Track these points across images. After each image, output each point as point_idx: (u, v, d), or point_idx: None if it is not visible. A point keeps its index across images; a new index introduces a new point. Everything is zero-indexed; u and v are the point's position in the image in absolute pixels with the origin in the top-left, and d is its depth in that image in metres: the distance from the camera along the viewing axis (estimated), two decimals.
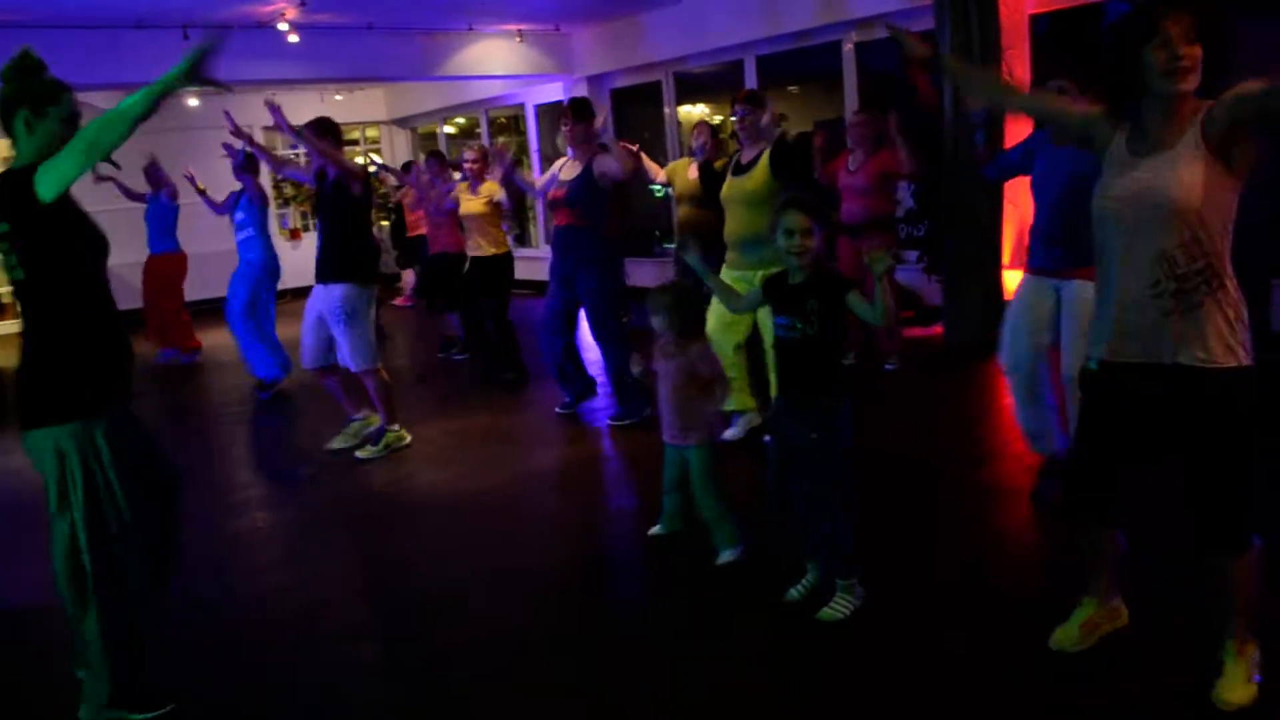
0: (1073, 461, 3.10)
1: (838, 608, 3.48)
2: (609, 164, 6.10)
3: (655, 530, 4.35)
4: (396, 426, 6.25)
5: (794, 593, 3.65)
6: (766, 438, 5.45)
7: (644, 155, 7.08)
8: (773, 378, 5.39)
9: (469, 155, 7.89)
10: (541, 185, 6.62)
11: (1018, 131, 7.41)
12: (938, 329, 8.23)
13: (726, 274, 5.52)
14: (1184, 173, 2.63)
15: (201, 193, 8.83)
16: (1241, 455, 2.70)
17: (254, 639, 3.81)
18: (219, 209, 8.72)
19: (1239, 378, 2.67)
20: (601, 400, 6.77)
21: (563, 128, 6.31)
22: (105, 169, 4.17)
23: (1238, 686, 2.82)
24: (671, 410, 4.11)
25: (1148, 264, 2.68)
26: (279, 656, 3.69)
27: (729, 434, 5.62)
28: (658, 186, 7.61)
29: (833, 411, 3.42)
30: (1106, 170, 2.81)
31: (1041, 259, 4.25)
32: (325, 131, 5.89)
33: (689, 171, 7.33)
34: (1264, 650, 2.86)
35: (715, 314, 5.41)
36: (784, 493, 3.56)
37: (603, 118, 6.30)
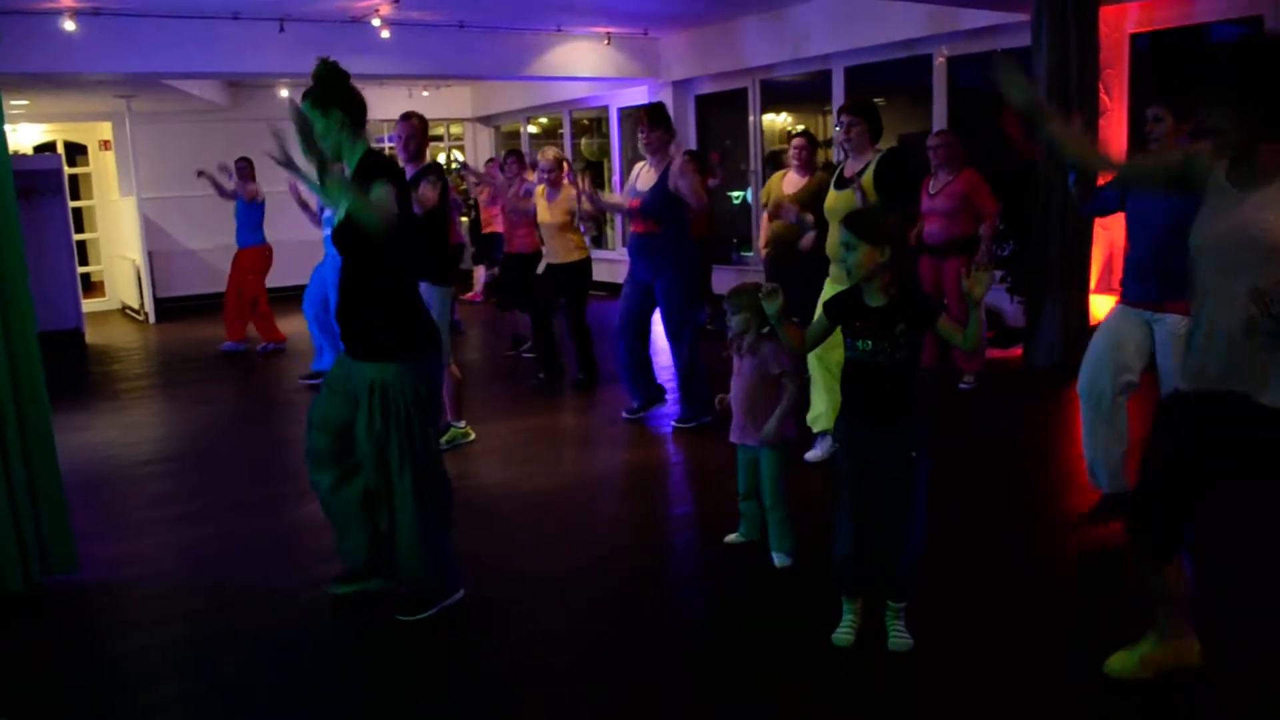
0: (1141, 490, 3.02)
1: (905, 635, 3.38)
2: (683, 187, 6.07)
3: (732, 537, 4.34)
4: (462, 423, 6.28)
5: (843, 639, 3.46)
6: (808, 453, 5.40)
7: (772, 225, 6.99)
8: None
9: (545, 164, 7.83)
10: (625, 199, 6.60)
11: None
12: (1018, 351, 8.06)
13: (829, 288, 5.42)
14: None
15: (304, 206, 8.90)
16: None
17: (303, 627, 3.84)
18: (317, 221, 8.83)
19: None
20: (670, 407, 6.74)
21: (640, 135, 6.30)
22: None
23: None
24: (743, 410, 4.11)
25: (1243, 300, 2.61)
26: (330, 647, 3.71)
27: (813, 455, 5.52)
28: (737, 193, 7.55)
29: (922, 430, 3.32)
30: (1206, 203, 2.74)
31: (1137, 291, 4.15)
32: (417, 132, 5.95)
33: (783, 185, 7.27)
34: None
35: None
36: (865, 520, 3.40)
37: (679, 161, 6.20)
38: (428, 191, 5.81)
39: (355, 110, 3.68)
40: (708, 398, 6.15)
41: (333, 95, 3.63)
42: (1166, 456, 2.88)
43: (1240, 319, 2.63)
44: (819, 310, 3.52)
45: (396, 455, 3.69)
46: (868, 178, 5.14)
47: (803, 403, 5.48)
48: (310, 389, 8.08)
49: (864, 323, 3.32)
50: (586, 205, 7.13)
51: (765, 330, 4.04)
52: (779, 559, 4.12)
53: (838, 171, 5.46)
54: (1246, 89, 2.61)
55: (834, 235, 5.26)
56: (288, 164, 3.51)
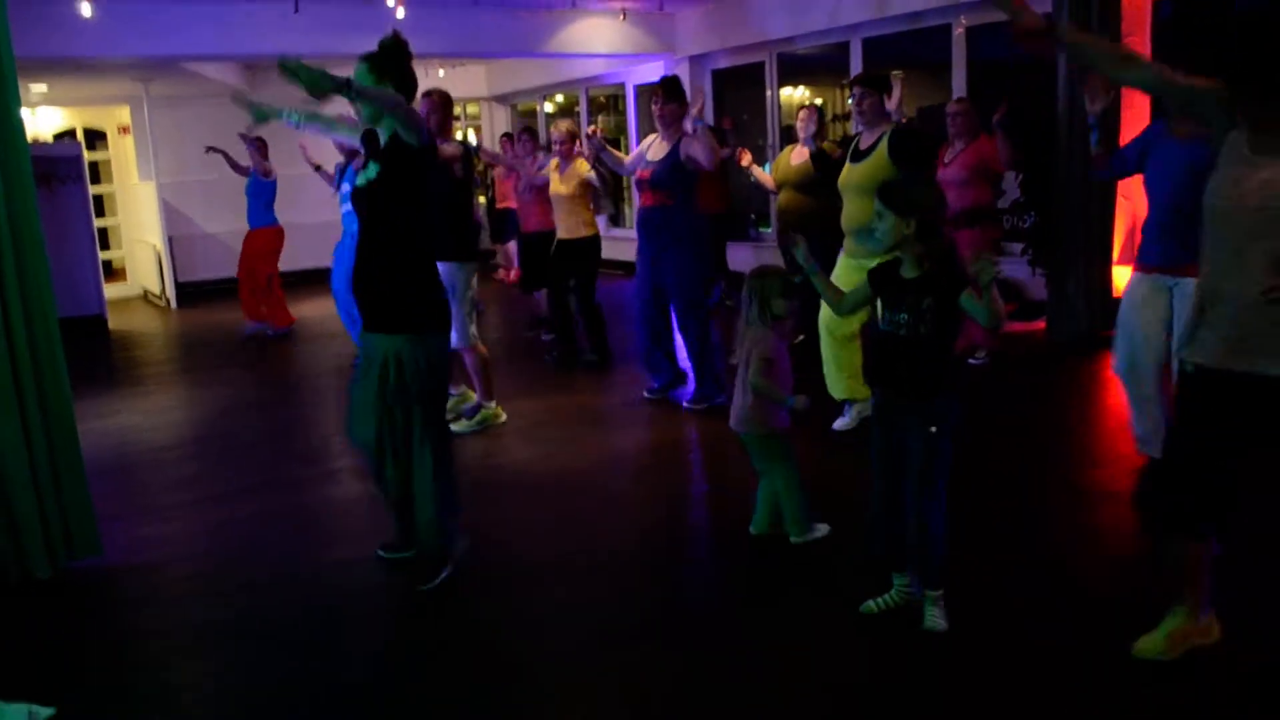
0: (1168, 466, 2.99)
1: (939, 616, 3.35)
2: (696, 150, 6.02)
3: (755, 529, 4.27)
4: (493, 404, 6.28)
5: (874, 606, 3.49)
6: (835, 424, 5.37)
7: (755, 166, 6.97)
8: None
9: (558, 136, 7.80)
10: (630, 164, 6.56)
11: (1131, 126, 7.16)
12: (1040, 324, 7.99)
13: (844, 262, 5.40)
14: None
15: (317, 168, 8.93)
16: None
17: (327, 607, 3.86)
18: (333, 182, 8.83)
19: None
20: (690, 388, 6.72)
21: (654, 107, 6.25)
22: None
23: None
24: (739, 395, 4.10)
25: (1260, 267, 2.58)
26: (352, 627, 3.73)
27: (840, 424, 5.50)
28: (751, 174, 7.49)
29: (947, 409, 3.27)
30: (1224, 166, 2.70)
31: (1155, 256, 4.10)
32: (438, 108, 5.94)
33: (792, 157, 7.23)
34: None
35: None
36: (893, 494, 3.40)
37: (698, 108, 6.18)
38: (449, 148, 5.83)
39: (406, 87, 3.82)
40: (720, 377, 6.16)
41: (390, 66, 3.77)
42: (1190, 433, 2.84)
43: (1256, 288, 2.58)
44: (863, 277, 3.50)
45: (419, 427, 3.75)
46: (882, 149, 5.11)
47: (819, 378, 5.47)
48: (338, 371, 8.11)
49: (896, 294, 3.30)
50: (591, 174, 7.14)
51: (761, 318, 4.01)
52: (796, 538, 4.11)
53: (854, 144, 5.42)
54: (1258, 61, 2.55)
55: (850, 208, 5.24)
56: (260, 113, 4.02)
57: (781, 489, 4.10)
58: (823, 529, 4.13)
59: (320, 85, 3.38)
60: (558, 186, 7.73)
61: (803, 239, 3.62)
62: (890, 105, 5.46)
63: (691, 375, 6.47)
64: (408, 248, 3.77)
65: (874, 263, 4.64)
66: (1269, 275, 2.56)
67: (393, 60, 3.77)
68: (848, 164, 5.33)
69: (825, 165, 6.22)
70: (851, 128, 5.41)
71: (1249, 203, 2.61)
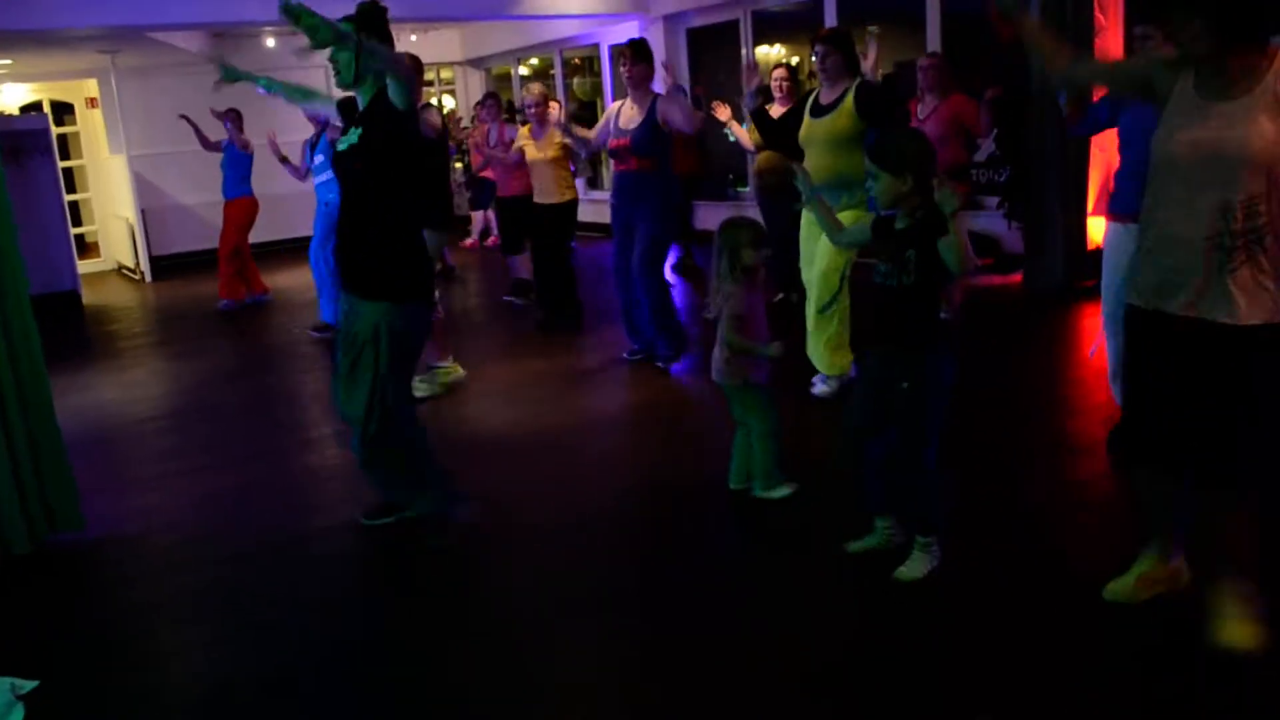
0: (1127, 405, 3.04)
1: (915, 567, 3.38)
2: (674, 114, 5.99)
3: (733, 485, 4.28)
4: (449, 361, 6.32)
5: (854, 545, 3.57)
6: (815, 388, 5.38)
7: (734, 122, 6.94)
8: (811, 300, 5.25)
9: (530, 100, 7.72)
10: (598, 135, 6.52)
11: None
12: (1017, 277, 8.02)
13: (807, 217, 5.41)
14: (1262, 125, 2.54)
15: (284, 160, 8.86)
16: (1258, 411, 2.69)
17: (311, 575, 3.88)
18: (300, 174, 8.77)
19: (1273, 335, 2.64)
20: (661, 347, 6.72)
21: (622, 69, 6.22)
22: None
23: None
24: (717, 347, 4.09)
25: (1208, 214, 2.61)
26: (336, 594, 3.75)
27: (820, 390, 5.50)
28: (729, 132, 7.47)
29: (925, 363, 3.28)
30: (1172, 113, 2.72)
31: (1129, 205, 4.10)
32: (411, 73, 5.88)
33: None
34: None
35: (806, 259, 5.32)
36: (861, 439, 3.47)
37: (665, 75, 6.15)
38: (433, 116, 5.79)
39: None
40: (683, 333, 6.26)
41: (373, 28, 3.69)
42: (1140, 374, 2.89)
43: (1204, 233, 2.62)
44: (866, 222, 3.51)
45: (394, 391, 3.76)
46: (847, 104, 5.10)
47: (801, 339, 5.47)
48: (314, 340, 8.08)
49: (886, 245, 3.32)
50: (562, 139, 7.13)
51: (735, 269, 3.99)
52: (776, 491, 4.13)
53: (813, 98, 5.40)
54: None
55: (814, 164, 5.23)
56: (231, 74, 4.13)
57: (756, 440, 4.12)
58: (785, 490, 4.12)
59: (320, 33, 3.33)
60: (534, 153, 7.69)
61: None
62: (866, 65, 5.43)
63: (656, 333, 6.45)
64: (391, 213, 3.75)
65: (840, 217, 4.64)
66: (1213, 221, 2.59)
67: (375, 23, 3.73)
68: (807, 119, 5.31)
69: (764, 125, 6.18)
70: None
71: (1199, 150, 2.63)
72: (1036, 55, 3.22)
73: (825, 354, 5.39)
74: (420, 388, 6.03)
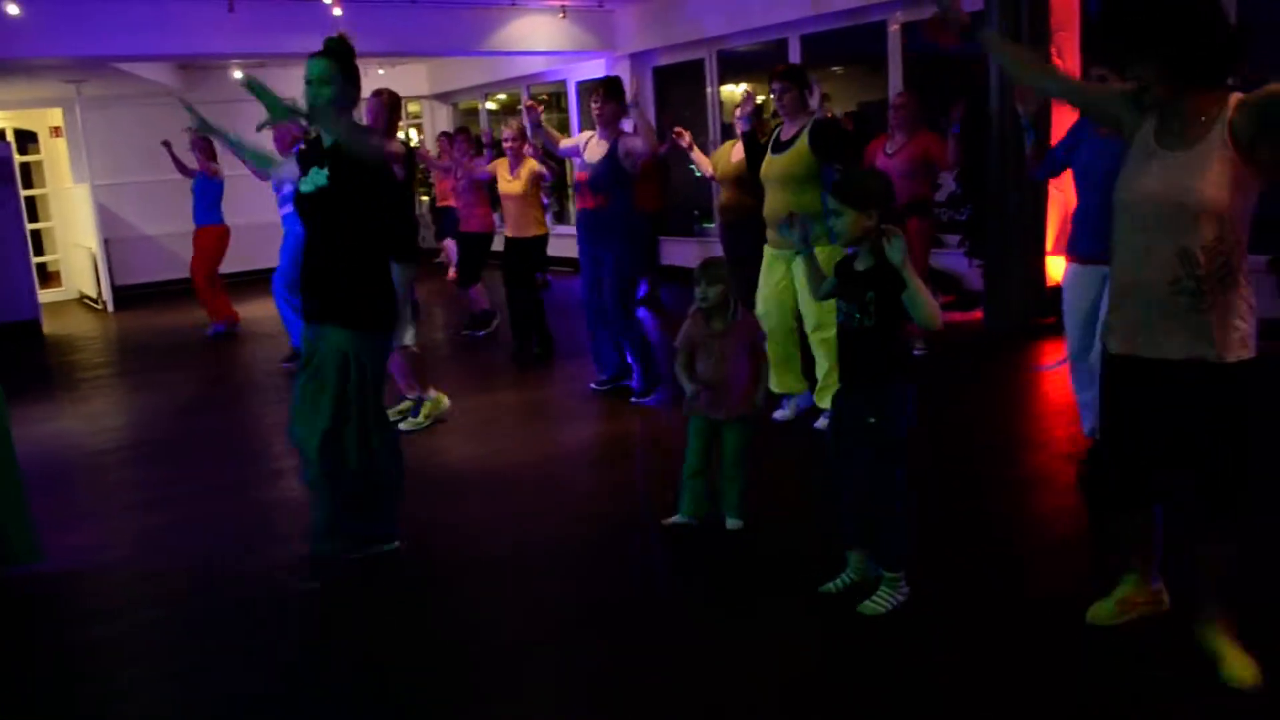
0: (1101, 447, 3.10)
1: (880, 601, 3.40)
2: (633, 143, 6.09)
3: (675, 520, 4.26)
4: (433, 394, 6.30)
5: (831, 586, 3.56)
6: (817, 422, 5.45)
7: (695, 148, 7.05)
8: (823, 358, 5.36)
9: (508, 134, 7.82)
10: (565, 149, 6.64)
11: (1062, 126, 7.32)
12: (978, 314, 8.14)
13: (767, 253, 5.50)
14: (1213, 173, 2.60)
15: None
16: (1244, 445, 2.74)
17: (273, 609, 3.84)
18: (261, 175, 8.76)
19: (1246, 370, 2.70)
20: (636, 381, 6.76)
21: (593, 105, 6.30)
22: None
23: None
24: (726, 382, 4.08)
25: (1170, 261, 2.67)
26: (299, 628, 3.72)
27: (779, 415, 5.59)
28: (694, 166, 7.56)
29: (890, 399, 3.34)
30: (1132, 161, 2.78)
31: (1087, 247, 4.19)
32: (387, 107, 5.98)
33: (731, 154, 7.28)
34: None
35: (769, 294, 5.40)
36: (841, 477, 3.50)
37: (633, 92, 6.25)
38: (394, 146, 5.86)
39: (356, 85, 3.88)
40: (658, 370, 6.32)
41: (341, 61, 3.79)
42: (1114, 414, 2.94)
43: (1166, 278, 2.67)
44: (783, 268, 3.57)
45: (373, 419, 3.84)
46: (803, 141, 5.20)
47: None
48: (282, 371, 8.04)
49: (846, 286, 3.37)
50: (539, 168, 7.19)
51: (738, 303, 4.08)
52: (732, 523, 4.16)
53: (774, 135, 5.50)
54: (1161, 40, 2.60)
55: (772, 200, 5.33)
56: (204, 127, 4.23)
57: (735, 477, 4.16)
58: (736, 521, 4.18)
59: (275, 111, 3.65)
60: (509, 185, 7.76)
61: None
62: (811, 103, 5.53)
63: (635, 369, 6.52)
64: (361, 247, 3.79)
65: (794, 254, 4.72)
66: (1174, 267, 2.65)
67: (348, 59, 3.81)
68: (769, 155, 5.42)
69: (753, 149, 6.28)
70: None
71: (1154, 196, 2.68)
72: (1006, 64, 3.26)
73: (781, 376, 5.49)
74: (407, 423, 6.03)
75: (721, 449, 4.18)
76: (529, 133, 7.24)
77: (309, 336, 3.89)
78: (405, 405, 6.30)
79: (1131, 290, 2.78)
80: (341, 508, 3.97)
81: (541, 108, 7.24)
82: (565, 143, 6.70)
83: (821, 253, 5.03)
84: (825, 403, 5.48)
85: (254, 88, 3.65)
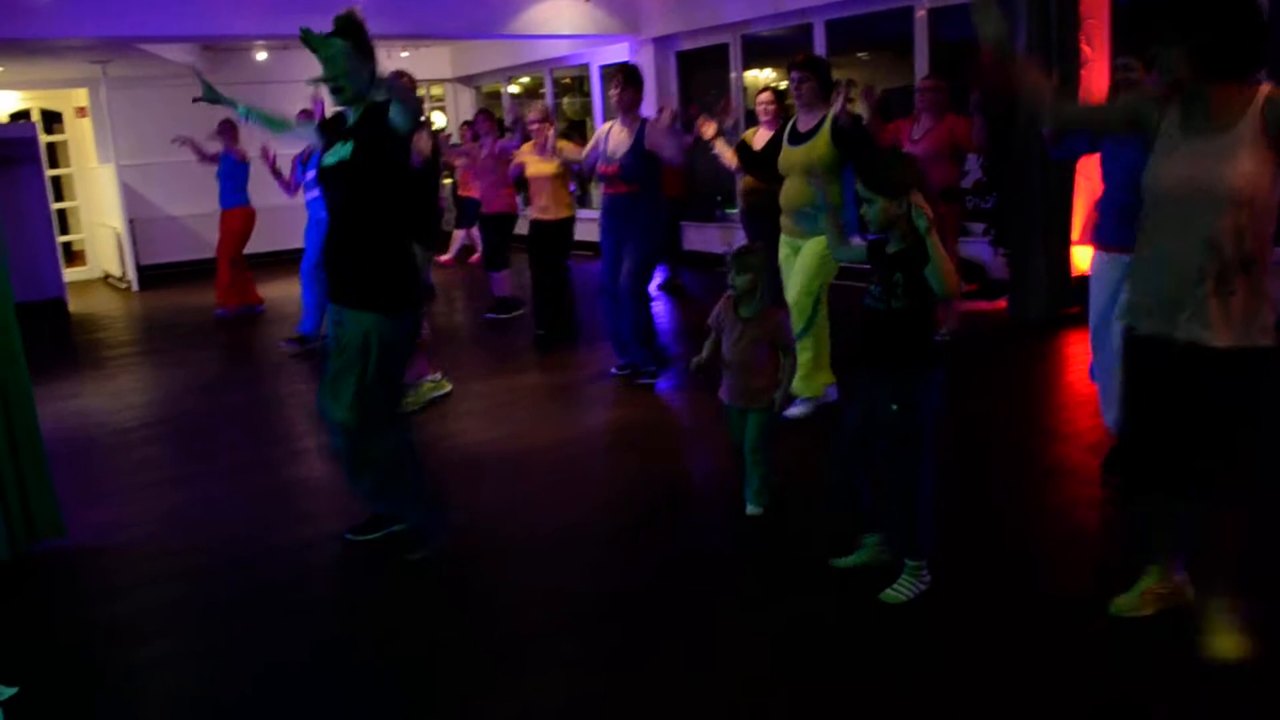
0: (1124, 432, 3.09)
1: (901, 590, 3.39)
2: (662, 144, 6.06)
3: (752, 510, 4.23)
4: (437, 375, 6.36)
5: (843, 561, 3.59)
6: (788, 410, 5.42)
7: (720, 139, 7.02)
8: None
9: (533, 116, 7.76)
10: (587, 158, 6.61)
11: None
12: (1002, 303, 8.08)
13: (784, 242, 5.46)
14: (1241, 161, 2.61)
15: (276, 175, 8.90)
16: (1252, 426, 2.77)
17: (292, 588, 3.87)
18: (290, 190, 8.82)
19: (1265, 358, 2.72)
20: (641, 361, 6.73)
21: (612, 93, 6.28)
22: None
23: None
24: (742, 371, 4.10)
25: (1195, 248, 2.68)
26: (318, 608, 3.74)
27: (794, 411, 5.54)
28: (717, 152, 7.52)
29: (915, 385, 3.31)
30: (1159, 150, 2.78)
31: (1112, 236, 4.16)
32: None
33: (754, 142, 7.25)
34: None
35: (795, 286, 5.37)
36: (850, 462, 3.49)
37: (668, 115, 6.21)
38: (422, 141, 5.83)
39: (375, 64, 3.84)
40: (663, 350, 6.37)
41: (356, 37, 3.73)
42: (1140, 400, 2.94)
43: (1192, 264, 2.68)
44: (798, 257, 3.56)
45: (384, 402, 3.82)
46: (824, 133, 5.15)
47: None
48: (302, 352, 8.07)
49: (876, 268, 3.35)
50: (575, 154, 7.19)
51: (772, 298, 4.09)
52: (752, 509, 4.17)
53: (790, 125, 5.46)
54: (1192, 28, 2.61)
55: (790, 189, 5.29)
56: (210, 94, 4.22)
57: (758, 462, 4.15)
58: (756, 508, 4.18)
59: (336, 63, 3.63)
60: (539, 167, 7.72)
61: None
62: (835, 108, 5.45)
63: (634, 348, 6.51)
64: (381, 225, 3.79)
65: (801, 242, 4.70)
66: (1199, 254, 2.66)
67: (358, 34, 3.77)
68: (785, 146, 5.38)
69: (746, 158, 6.30)
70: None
71: (1181, 183, 2.69)
72: (1027, 93, 3.26)
73: (799, 377, 5.42)
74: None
75: (744, 436, 4.18)
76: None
77: (334, 316, 3.90)
78: (425, 387, 6.31)
79: (1157, 276, 2.79)
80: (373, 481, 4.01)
81: (553, 130, 7.33)
82: (586, 150, 6.69)
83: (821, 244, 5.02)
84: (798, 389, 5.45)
85: (312, 39, 3.61)
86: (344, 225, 3.82)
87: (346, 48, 3.69)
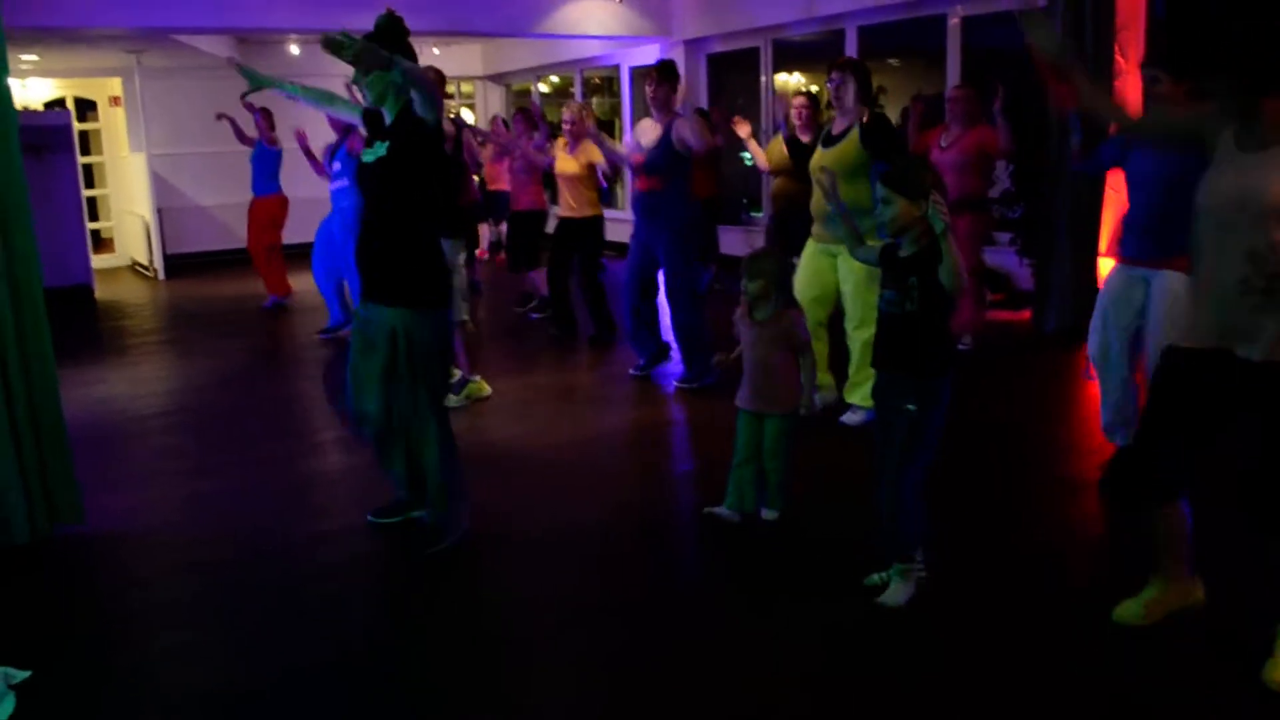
0: (1139, 439, 3.09)
1: (895, 594, 3.39)
2: (686, 134, 6.05)
3: (718, 510, 4.22)
4: (477, 377, 6.32)
5: (875, 578, 3.54)
6: (843, 416, 5.42)
7: (753, 139, 7.01)
8: (856, 355, 5.34)
9: (567, 115, 7.78)
10: (628, 151, 6.60)
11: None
12: (1026, 314, 8.03)
13: (811, 246, 5.46)
14: None
15: (309, 155, 8.95)
16: None
17: (309, 581, 3.88)
18: (321, 173, 8.86)
19: None
20: (675, 365, 6.74)
21: (647, 89, 6.28)
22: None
23: None
24: (758, 377, 4.09)
25: (1239, 260, 2.69)
26: (335, 601, 3.75)
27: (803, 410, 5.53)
28: (748, 155, 7.53)
29: (929, 389, 3.30)
30: (1214, 166, 2.79)
31: (1134, 249, 4.16)
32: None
33: (785, 146, 7.25)
34: None
35: (802, 288, 5.36)
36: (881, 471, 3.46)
37: (680, 96, 6.20)
38: (446, 127, 5.85)
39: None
40: (710, 359, 6.19)
41: (395, 45, 3.74)
42: (1165, 407, 2.95)
43: (1235, 277, 2.70)
44: (825, 262, 3.57)
45: (424, 398, 3.84)
46: (854, 134, 5.14)
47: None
48: (325, 344, 8.12)
49: (890, 272, 3.35)
50: (601, 161, 7.17)
51: (784, 301, 4.07)
52: (768, 513, 4.15)
53: (825, 129, 5.46)
54: (1244, 45, 2.65)
55: (820, 193, 5.25)
56: (254, 79, 4.16)
57: (777, 469, 4.12)
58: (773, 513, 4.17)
59: (366, 58, 3.52)
60: (566, 165, 7.76)
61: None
62: (848, 102, 5.42)
63: (681, 356, 6.49)
64: (415, 223, 3.81)
65: (840, 248, 4.70)
66: (1243, 266, 2.67)
67: (398, 38, 3.80)
68: (819, 149, 5.36)
69: (796, 152, 6.31)
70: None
71: (1229, 198, 2.71)
72: (1087, 102, 3.27)
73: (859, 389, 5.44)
74: (450, 400, 6.05)
75: (763, 440, 4.15)
76: (593, 139, 7.21)
77: (362, 313, 3.91)
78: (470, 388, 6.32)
79: (1207, 290, 2.80)
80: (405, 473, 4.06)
81: (592, 119, 7.33)
82: (626, 148, 6.69)
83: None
84: (853, 398, 5.45)
85: (337, 41, 3.50)
86: (377, 223, 3.84)
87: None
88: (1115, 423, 4.39)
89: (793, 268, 4.13)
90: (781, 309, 4.07)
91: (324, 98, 4.39)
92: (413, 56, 3.87)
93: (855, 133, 5.16)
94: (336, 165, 8.03)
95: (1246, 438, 2.85)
